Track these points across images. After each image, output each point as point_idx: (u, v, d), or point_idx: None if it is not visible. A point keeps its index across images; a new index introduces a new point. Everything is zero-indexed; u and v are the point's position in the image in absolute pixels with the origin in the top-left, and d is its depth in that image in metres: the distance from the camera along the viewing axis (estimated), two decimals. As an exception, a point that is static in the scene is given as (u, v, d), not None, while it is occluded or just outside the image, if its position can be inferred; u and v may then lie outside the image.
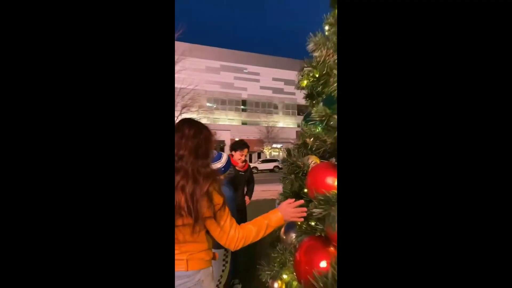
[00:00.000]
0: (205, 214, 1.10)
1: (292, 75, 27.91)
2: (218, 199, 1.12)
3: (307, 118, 1.50)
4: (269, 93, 28.01)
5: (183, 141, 1.14)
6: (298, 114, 27.70)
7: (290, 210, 1.23)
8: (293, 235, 1.47)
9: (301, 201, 1.25)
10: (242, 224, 1.20)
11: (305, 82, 1.52)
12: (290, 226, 1.51)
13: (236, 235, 1.16)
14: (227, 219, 1.16)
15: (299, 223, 1.39)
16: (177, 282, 1.12)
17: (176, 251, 1.13)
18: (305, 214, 1.23)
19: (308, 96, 1.60)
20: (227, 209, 1.18)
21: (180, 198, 1.06)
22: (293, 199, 1.26)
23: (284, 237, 1.51)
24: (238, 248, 1.18)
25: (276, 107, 28.22)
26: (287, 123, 27.99)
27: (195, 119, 1.25)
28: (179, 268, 1.14)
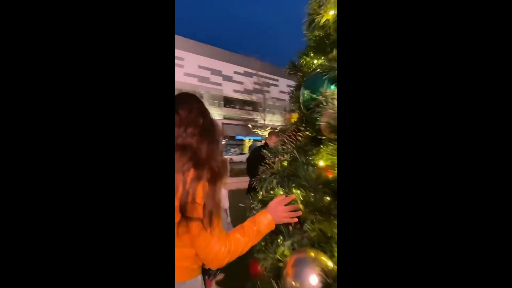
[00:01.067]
0: (198, 213, 0.87)
1: (219, 65, 27.81)
2: (218, 199, 0.92)
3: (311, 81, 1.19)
4: (194, 81, 26.00)
5: (192, 115, 0.96)
6: (224, 106, 27.95)
7: (280, 209, 1.06)
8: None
9: (293, 196, 1.08)
10: (229, 233, 0.97)
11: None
12: None
13: (222, 249, 0.91)
14: (216, 227, 0.91)
15: (292, 225, 1.16)
16: None
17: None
18: (299, 213, 1.07)
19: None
20: (221, 213, 0.95)
21: (177, 186, 0.86)
22: (283, 196, 1.10)
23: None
24: (222, 266, 0.94)
25: (201, 97, 25.93)
26: (213, 115, 26.75)
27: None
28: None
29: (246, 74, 27.77)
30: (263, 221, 1.03)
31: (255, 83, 24.75)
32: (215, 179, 0.92)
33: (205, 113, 1.00)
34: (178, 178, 0.87)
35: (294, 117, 1.41)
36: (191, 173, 0.89)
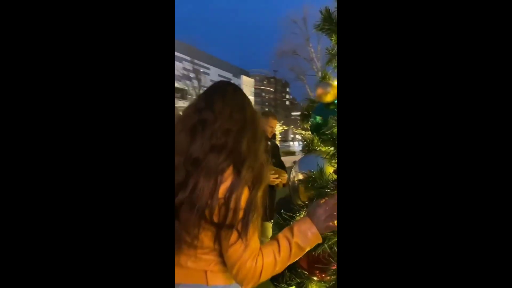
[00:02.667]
0: (232, 220, 0.78)
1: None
2: (258, 205, 0.81)
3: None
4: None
5: (227, 109, 0.83)
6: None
7: (324, 211, 0.86)
8: None
9: (334, 196, 0.89)
10: (263, 247, 0.83)
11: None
12: None
13: (253, 265, 0.79)
14: (252, 238, 0.79)
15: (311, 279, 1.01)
16: None
17: (191, 258, 0.83)
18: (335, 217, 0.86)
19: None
20: (260, 222, 0.84)
21: (211, 187, 0.77)
22: (323, 199, 0.90)
23: None
24: (249, 286, 0.82)
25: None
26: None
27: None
28: (196, 280, 0.84)
29: (176, 59, 26.45)
30: (303, 230, 0.84)
31: (184, 69, 23.78)
32: (255, 182, 0.81)
33: (244, 106, 0.87)
34: (211, 181, 0.78)
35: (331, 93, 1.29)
36: (227, 175, 0.79)
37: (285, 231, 0.85)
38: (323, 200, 0.88)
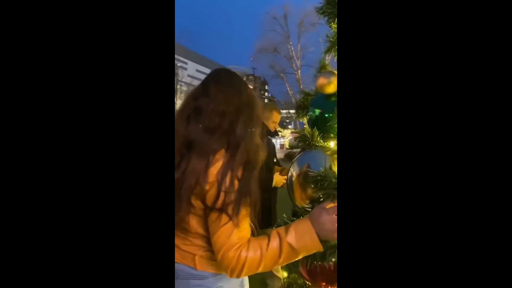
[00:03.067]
0: (223, 203, 0.75)
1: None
2: (250, 189, 0.78)
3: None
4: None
5: (223, 95, 0.83)
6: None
7: (328, 218, 0.76)
8: None
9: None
10: (253, 239, 0.78)
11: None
12: None
13: (240, 252, 0.74)
14: (244, 221, 0.77)
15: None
16: (192, 282, 0.83)
17: (183, 241, 0.84)
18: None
19: None
20: (252, 207, 0.80)
21: (202, 169, 0.76)
22: (331, 203, 0.80)
23: None
24: (232, 272, 0.76)
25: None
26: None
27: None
28: (187, 262, 0.84)
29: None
30: (301, 232, 0.76)
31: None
32: (248, 166, 0.79)
33: (239, 89, 0.86)
34: (202, 162, 0.77)
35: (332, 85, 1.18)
36: (219, 157, 0.78)
37: (280, 228, 0.78)
38: (331, 205, 0.77)
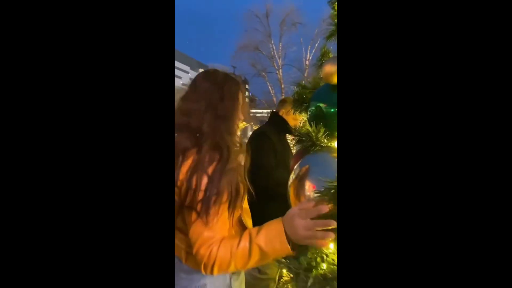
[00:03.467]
0: (193, 201, 0.78)
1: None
2: (222, 186, 0.78)
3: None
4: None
5: (195, 95, 0.87)
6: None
7: (301, 224, 0.70)
8: None
9: (326, 208, 0.69)
10: (227, 238, 0.80)
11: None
12: None
13: (207, 254, 0.76)
14: (216, 220, 0.78)
15: (322, 252, 0.83)
16: (180, 274, 0.86)
17: (176, 235, 0.87)
18: (332, 236, 0.69)
19: None
20: (226, 204, 0.81)
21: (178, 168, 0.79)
22: (312, 202, 0.72)
23: None
24: (207, 272, 0.78)
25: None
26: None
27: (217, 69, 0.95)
28: (177, 253, 0.89)
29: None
30: (271, 236, 0.74)
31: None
32: (220, 163, 0.79)
33: (210, 88, 0.87)
34: (176, 161, 0.80)
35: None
36: (189, 154, 0.80)
37: (253, 229, 0.79)
38: (307, 206, 0.71)
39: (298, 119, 1.92)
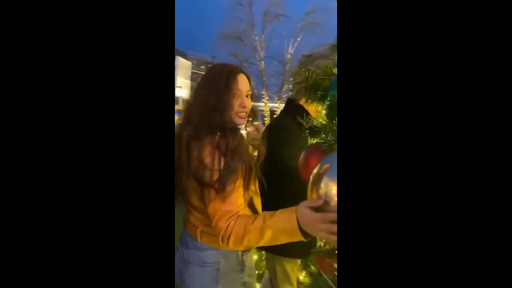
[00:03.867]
0: (208, 178, 0.88)
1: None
2: (234, 164, 0.88)
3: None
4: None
5: (197, 90, 1.01)
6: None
7: (314, 217, 0.74)
8: None
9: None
10: (243, 215, 0.88)
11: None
12: None
13: (225, 227, 0.85)
14: (232, 195, 0.88)
15: (322, 243, 1.04)
16: (194, 252, 0.99)
17: (189, 214, 1.03)
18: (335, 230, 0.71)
19: None
20: (241, 181, 0.91)
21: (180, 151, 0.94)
22: (318, 199, 0.75)
23: None
24: (223, 244, 0.86)
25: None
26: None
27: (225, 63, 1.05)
28: (192, 233, 1.01)
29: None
30: (282, 219, 0.82)
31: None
32: (228, 143, 0.89)
33: (215, 79, 0.99)
34: (197, 147, 0.92)
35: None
36: (208, 141, 0.91)
37: (268, 212, 0.86)
38: (316, 202, 0.76)
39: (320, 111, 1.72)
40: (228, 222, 0.86)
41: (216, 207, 0.88)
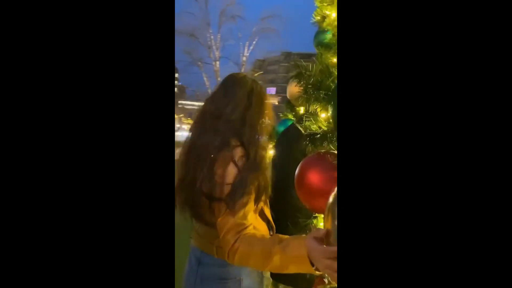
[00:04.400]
0: (220, 193, 0.86)
1: None
2: (246, 180, 0.86)
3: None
4: None
5: (225, 99, 0.95)
6: None
7: (324, 251, 0.65)
8: None
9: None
10: (253, 233, 0.82)
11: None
12: None
13: (232, 241, 0.80)
14: (240, 212, 0.83)
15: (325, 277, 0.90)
16: (213, 269, 0.95)
17: (203, 231, 0.97)
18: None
19: None
20: (253, 198, 0.87)
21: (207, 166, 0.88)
22: (326, 229, 0.67)
23: None
24: (229, 259, 0.82)
25: None
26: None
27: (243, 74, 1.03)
28: (208, 251, 0.96)
29: None
30: (293, 249, 0.71)
31: None
32: (247, 160, 0.87)
33: (251, 94, 0.96)
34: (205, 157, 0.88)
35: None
36: (218, 154, 0.88)
37: (278, 235, 0.79)
38: (323, 232, 0.67)
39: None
40: (236, 237, 0.80)
41: (224, 220, 0.83)
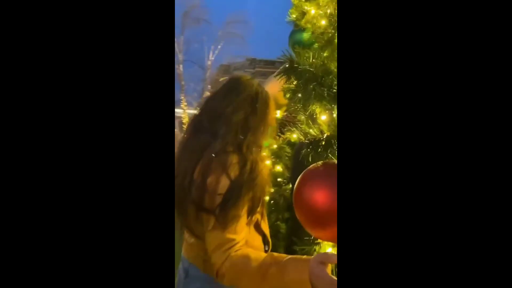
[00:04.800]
0: (212, 204, 0.78)
1: None
2: (239, 191, 0.78)
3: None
4: None
5: (225, 100, 0.88)
6: None
7: (329, 282, 0.63)
8: None
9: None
10: (245, 250, 0.76)
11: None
12: None
13: (222, 258, 0.75)
14: (234, 229, 0.76)
15: None
16: (189, 284, 0.88)
17: (194, 241, 0.87)
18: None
19: None
20: (245, 212, 0.81)
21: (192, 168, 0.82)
22: (333, 253, 0.70)
23: None
24: (219, 279, 0.76)
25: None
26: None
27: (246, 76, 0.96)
28: (196, 263, 0.89)
29: None
30: (291, 273, 0.67)
31: None
32: (242, 169, 0.79)
33: (255, 99, 0.89)
34: (192, 162, 0.82)
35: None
36: (210, 157, 0.81)
37: (273, 254, 0.74)
38: (328, 258, 0.66)
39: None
40: (225, 255, 0.73)
41: (213, 234, 0.75)
